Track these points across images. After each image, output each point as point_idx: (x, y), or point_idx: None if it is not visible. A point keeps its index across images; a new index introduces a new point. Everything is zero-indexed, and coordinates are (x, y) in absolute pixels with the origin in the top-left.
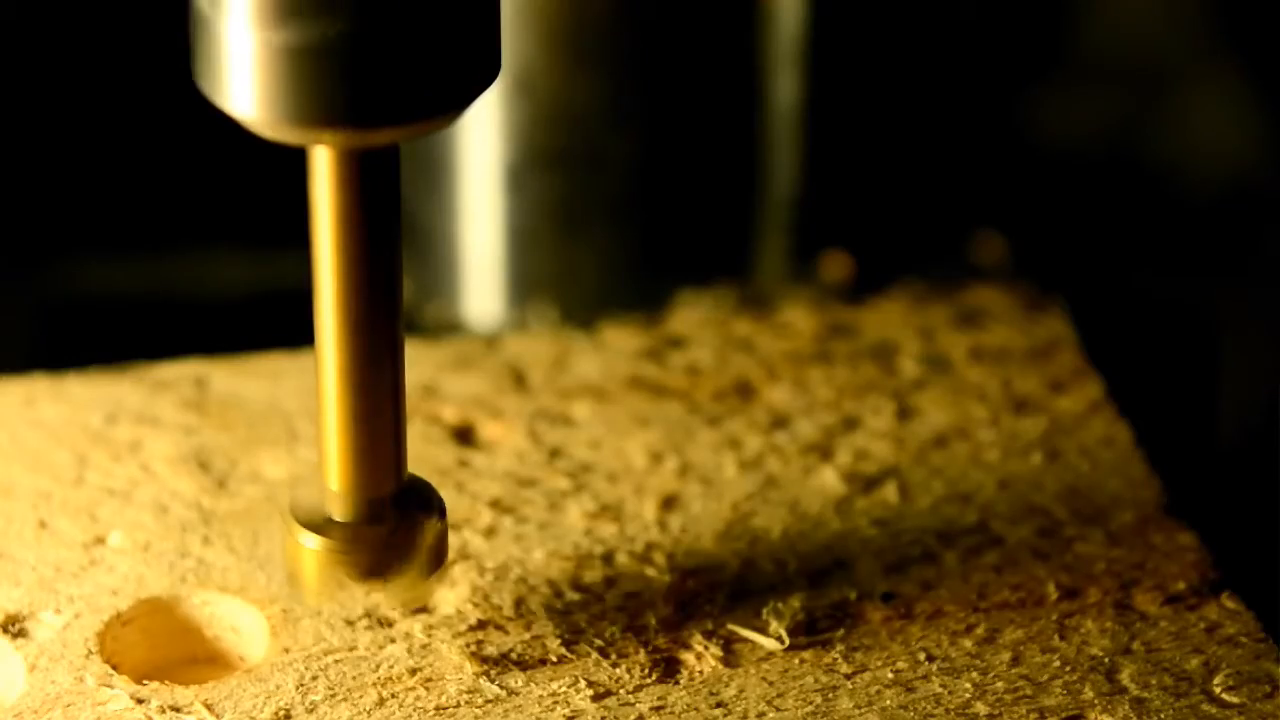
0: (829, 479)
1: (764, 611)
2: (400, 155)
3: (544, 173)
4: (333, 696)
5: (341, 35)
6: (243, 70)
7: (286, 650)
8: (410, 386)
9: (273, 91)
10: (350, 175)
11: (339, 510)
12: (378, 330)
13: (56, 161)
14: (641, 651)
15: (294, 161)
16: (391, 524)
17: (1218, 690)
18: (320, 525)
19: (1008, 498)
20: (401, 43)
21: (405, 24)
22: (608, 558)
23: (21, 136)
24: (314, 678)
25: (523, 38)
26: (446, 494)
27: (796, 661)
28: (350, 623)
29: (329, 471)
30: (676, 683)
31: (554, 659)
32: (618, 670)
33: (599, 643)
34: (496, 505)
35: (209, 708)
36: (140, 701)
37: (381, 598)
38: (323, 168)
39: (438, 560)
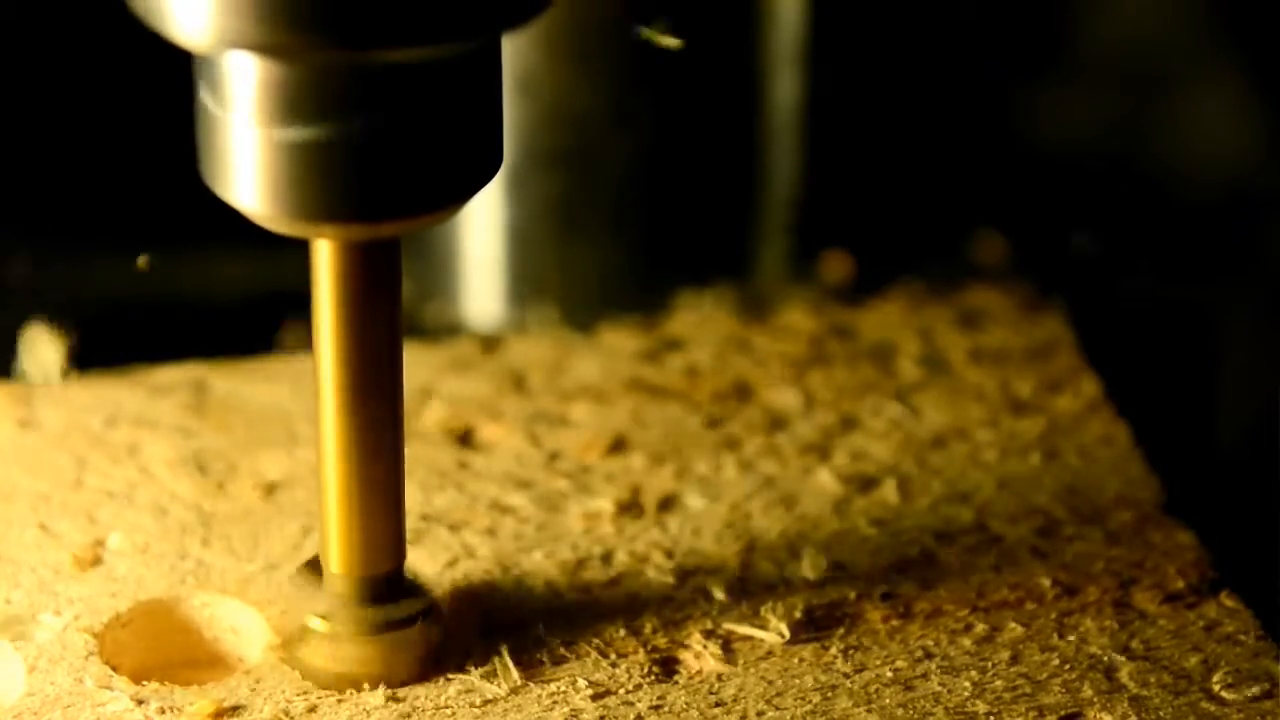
0: (828, 479)
1: (763, 610)
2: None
3: (544, 173)
4: (333, 697)
5: (346, 133)
6: (247, 165)
7: None
8: (410, 388)
9: (277, 187)
10: (352, 265)
11: (338, 589)
12: (378, 415)
13: (56, 162)
14: (640, 651)
15: None
16: (388, 604)
17: (1216, 688)
18: (320, 604)
19: (1006, 497)
20: (405, 140)
21: (409, 122)
22: (607, 558)
23: (21, 137)
24: None
25: (523, 38)
26: (446, 495)
27: (795, 660)
28: None
29: (328, 552)
30: (675, 682)
31: (554, 659)
32: (617, 670)
33: (598, 642)
34: (496, 506)
35: (209, 708)
36: (140, 702)
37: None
38: (325, 258)
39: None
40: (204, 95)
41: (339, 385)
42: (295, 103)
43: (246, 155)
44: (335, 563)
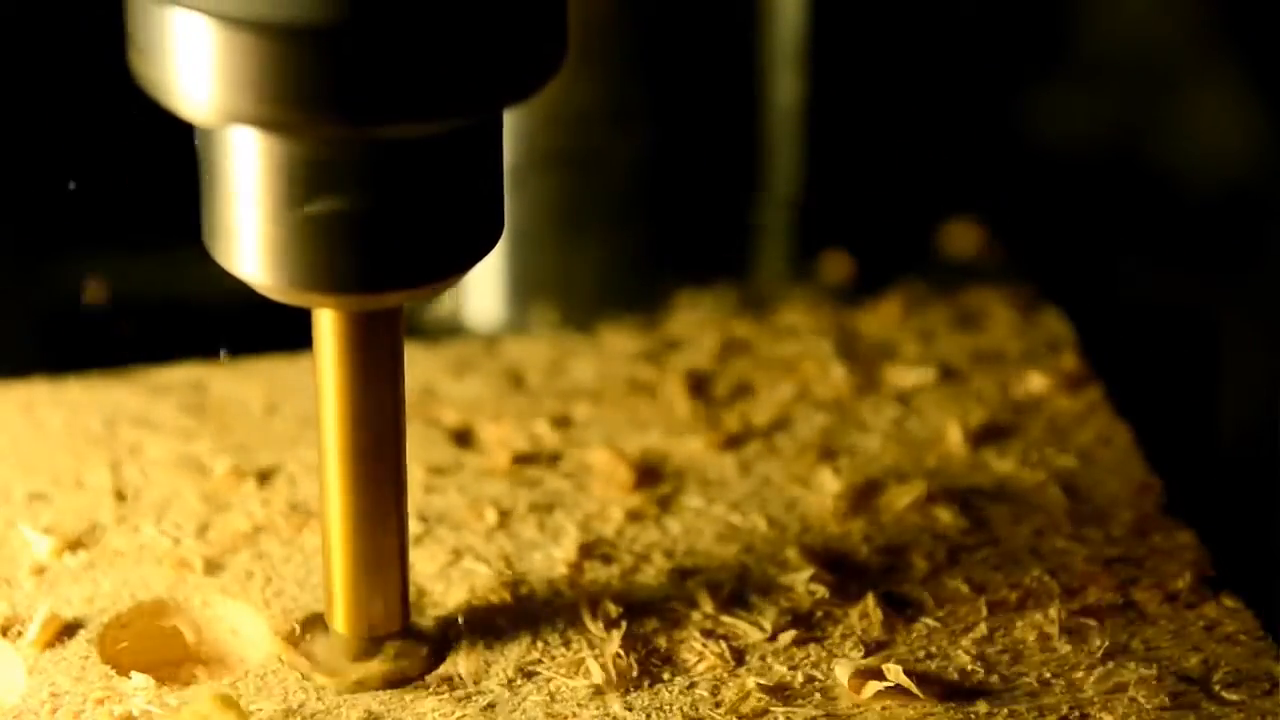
0: (828, 479)
1: (762, 610)
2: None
3: (544, 173)
4: (334, 697)
5: (347, 206)
6: (249, 236)
7: None
8: (410, 389)
9: (281, 259)
10: (354, 335)
11: (342, 647)
12: (382, 480)
13: (55, 163)
14: (641, 651)
15: None
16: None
17: (1217, 688)
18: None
19: (1006, 497)
20: (406, 213)
21: (410, 195)
22: (607, 558)
23: (20, 137)
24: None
25: None
26: (447, 496)
27: (795, 660)
28: None
29: (332, 612)
30: (675, 682)
31: (554, 659)
32: (618, 670)
33: (598, 642)
34: (496, 506)
35: (209, 708)
36: (140, 702)
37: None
38: (328, 327)
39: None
40: (206, 166)
41: (342, 451)
42: (297, 177)
43: (249, 227)
44: (339, 622)
